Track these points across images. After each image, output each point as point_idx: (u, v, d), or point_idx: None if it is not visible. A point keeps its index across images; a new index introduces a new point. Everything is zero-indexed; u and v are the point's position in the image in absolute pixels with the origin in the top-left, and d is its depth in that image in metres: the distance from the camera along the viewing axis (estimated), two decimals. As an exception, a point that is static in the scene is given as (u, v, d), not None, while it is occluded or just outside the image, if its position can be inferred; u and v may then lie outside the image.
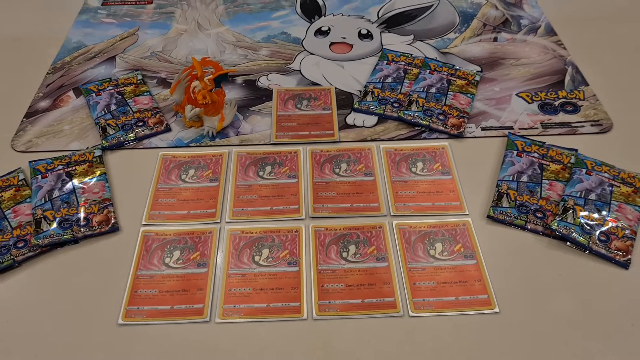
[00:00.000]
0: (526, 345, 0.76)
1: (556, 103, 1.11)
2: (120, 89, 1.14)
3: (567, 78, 1.17)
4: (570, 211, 0.89)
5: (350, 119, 1.09)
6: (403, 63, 1.19)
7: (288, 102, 1.13)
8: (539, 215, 0.90)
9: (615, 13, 1.36)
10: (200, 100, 1.01)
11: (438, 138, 1.05)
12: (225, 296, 0.81)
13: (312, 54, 1.26)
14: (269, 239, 0.88)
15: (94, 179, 0.96)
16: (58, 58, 1.26)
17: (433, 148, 1.02)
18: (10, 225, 0.90)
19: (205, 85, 1.01)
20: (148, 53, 1.27)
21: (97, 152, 1.01)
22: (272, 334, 0.77)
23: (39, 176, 0.97)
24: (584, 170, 0.95)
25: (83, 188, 0.95)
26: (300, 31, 1.33)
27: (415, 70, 1.17)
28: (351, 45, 1.28)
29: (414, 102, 1.09)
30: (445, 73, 1.16)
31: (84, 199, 0.93)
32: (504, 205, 0.91)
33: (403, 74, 1.16)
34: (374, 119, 1.09)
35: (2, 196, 0.94)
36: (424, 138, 1.05)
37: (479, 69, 1.20)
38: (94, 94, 1.13)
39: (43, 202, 0.92)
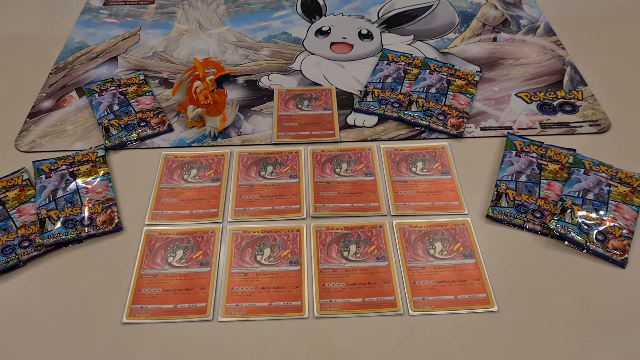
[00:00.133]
0: (524, 343, 0.77)
1: (555, 103, 1.12)
2: (123, 89, 1.15)
3: (566, 78, 1.18)
4: (568, 211, 0.90)
5: (350, 119, 1.10)
6: (403, 63, 1.20)
7: (289, 102, 1.14)
8: (538, 214, 0.91)
9: (614, 13, 1.37)
10: (202, 100, 1.02)
11: (438, 138, 1.06)
12: (227, 295, 0.82)
13: (312, 54, 1.27)
14: (271, 238, 0.90)
15: (98, 179, 0.97)
16: (60, 58, 1.27)
17: (433, 148, 1.03)
18: (15, 225, 0.91)
19: (207, 86, 1.02)
20: (150, 53, 1.28)
21: (100, 152, 1.02)
22: (274, 333, 0.78)
23: (43, 176, 0.98)
24: (582, 170, 0.96)
25: (87, 188, 0.96)
26: (301, 31, 1.34)
27: (415, 71, 1.18)
28: (351, 46, 1.29)
29: (414, 103, 1.10)
30: (445, 73, 1.17)
31: (87, 198, 0.94)
32: (502, 205, 0.92)
33: (403, 74, 1.17)
34: (374, 119, 1.10)
35: (6, 196, 0.95)
36: (424, 138, 1.06)
37: (479, 69, 1.21)
38: (96, 94, 1.14)
39: (47, 201, 0.94)
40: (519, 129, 1.07)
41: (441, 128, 1.06)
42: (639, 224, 0.90)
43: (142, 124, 1.08)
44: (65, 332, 0.79)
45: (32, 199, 0.95)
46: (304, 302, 0.82)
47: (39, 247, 0.88)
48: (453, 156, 1.02)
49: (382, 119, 1.10)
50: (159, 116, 1.10)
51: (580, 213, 0.90)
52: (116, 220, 0.92)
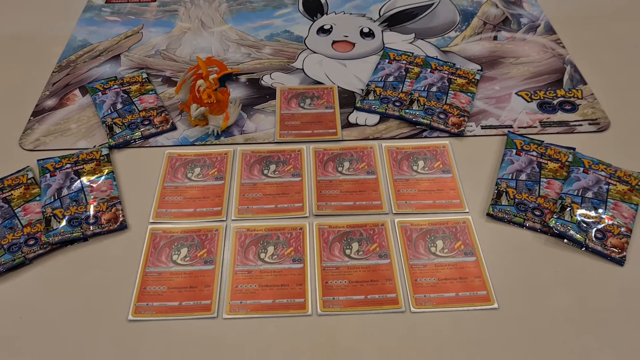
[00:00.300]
0: (524, 340, 0.78)
1: (555, 102, 1.13)
2: (126, 87, 1.16)
3: (566, 77, 1.19)
4: (568, 209, 0.91)
5: (352, 118, 1.11)
6: (404, 62, 1.21)
7: (291, 100, 1.15)
8: (537, 213, 0.92)
9: (615, 12, 1.38)
10: (206, 99, 1.02)
11: (439, 137, 1.07)
12: (232, 293, 0.84)
13: (314, 52, 1.27)
14: (274, 236, 0.91)
15: (102, 178, 0.98)
16: (63, 56, 1.27)
17: (434, 147, 1.04)
18: (21, 223, 0.92)
19: (210, 85, 1.03)
20: (152, 51, 1.28)
21: (105, 151, 1.03)
22: (278, 330, 0.80)
23: (48, 174, 0.99)
24: (582, 169, 0.97)
25: (91, 186, 0.97)
26: (303, 29, 1.34)
27: (416, 69, 1.19)
28: (353, 44, 1.30)
29: (415, 101, 1.11)
30: (446, 72, 1.18)
31: (92, 197, 0.95)
32: (503, 203, 0.94)
33: (404, 73, 1.18)
34: (376, 118, 1.11)
35: (12, 194, 0.96)
36: (425, 137, 1.07)
37: (479, 67, 1.22)
38: (100, 93, 1.15)
39: (52, 200, 0.94)
40: (519, 127, 1.08)
41: (442, 127, 1.07)
42: (637, 221, 0.91)
43: (146, 122, 1.09)
44: (72, 330, 0.80)
45: (37, 198, 0.96)
46: (307, 299, 0.83)
47: (44, 245, 0.89)
48: (454, 155, 1.03)
49: (384, 117, 1.11)
50: (162, 115, 1.11)
51: (579, 211, 0.91)
52: (121, 219, 0.93)
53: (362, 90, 1.16)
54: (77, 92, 1.18)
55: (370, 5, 1.41)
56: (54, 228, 0.90)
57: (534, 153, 1.00)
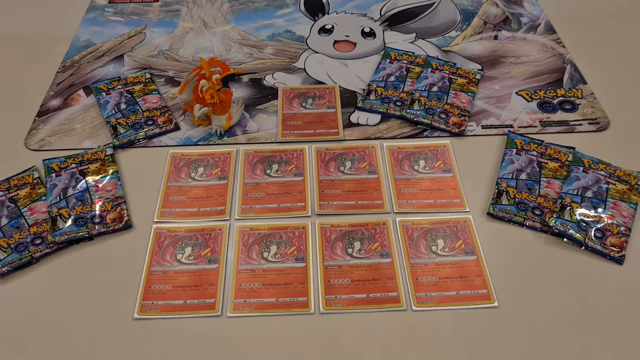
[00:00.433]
0: (524, 338, 0.79)
1: (555, 101, 1.13)
2: (130, 87, 1.17)
3: (566, 76, 1.20)
4: (568, 208, 0.92)
5: (354, 118, 1.12)
6: (405, 62, 1.22)
7: (293, 100, 1.16)
8: (537, 212, 0.93)
9: (615, 11, 1.38)
10: (209, 99, 1.04)
11: (440, 136, 1.08)
12: (235, 291, 0.85)
13: (316, 52, 1.28)
14: (277, 235, 0.92)
15: (107, 177, 1.00)
16: (67, 57, 1.28)
17: (435, 146, 1.05)
18: (27, 223, 0.93)
19: (213, 85, 1.04)
20: (155, 51, 1.29)
21: (109, 151, 1.04)
22: (281, 328, 0.81)
23: (53, 174, 1.00)
24: (581, 168, 0.98)
25: (96, 186, 0.98)
26: (305, 29, 1.35)
27: (417, 69, 1.20)
28: (354, 44, 1.30)
29: (417, 101, 1.12)
30: (447, 72, 1.19)
31: (97, 196, 0.96)
32: (503, 203, 0.95)
33: (405, 73, 1.19)
34: (377, 118, 1.12)
35: (18, 194, 0.97)
36: (426, 136, 1.08)
37: (480, 67, 1.22)
38: (103, 93, 1.16)
39: (58, 200, 0.96)
40: (519, 127, 1.09)
41: (443, 126, 1.08)
42: (637, 221, 0.92)
43: (149, 122, 1.10)
44: (78, 328, 0.81)
45: (43, 197, 0.97)
46: (310, 298, 0.84)
47: (51, 245, 0.90)
48: (455, 154, 1.04)
49: (385, 117, 1.12)
50: (166, 115, 1.12)
51: (579, 211, 0.92)
52: (126, 218, 0.94)
53: (364, 90, 1.17)
54: (81, 92, 1.19)
55: (371, 5, 1.42)
56: (60, 227, 0.92)
57: (534, 152, 1.01)
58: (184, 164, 1.03)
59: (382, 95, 1.15)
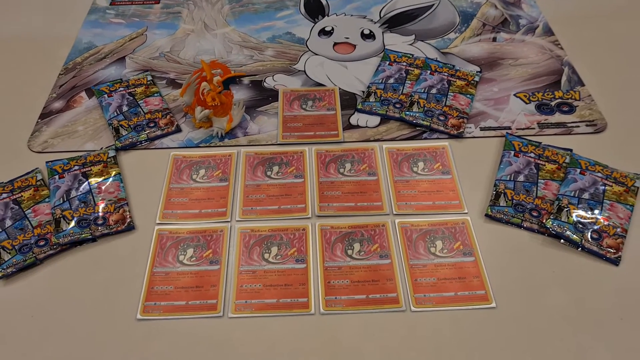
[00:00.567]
0: (522, 338, 0.80)
1: (552, 103, 1.15)
2: (131, 90, 1.18)
3: (564, 78, 1.21)
4: (565, 210, 0.93)
5: (354, 120, 1.13)
6: (405, 64, 1.23)
7: (294, 102, 1.17)
8: (535, 214, 0.94)
9: (613, 13, 1.39)
10: (210, 102, 1.05)
11: (439, 138, 1.09)
12: (237, 292, 0.86)
13: (316, 54, 1.29)
14: (278, 237, 0.93)
15: (110, 179, 1.01)
16: (69, 59, 1.29)
17: (434, 148, 1.07)
18: (31, 225, 0.94)
19: (214, 88, 1.05)
20: (157, 54, 1.30)
21: (111, 153, 1.05)
22: (282, 328, 0.82)
23: (56, 176, 1.01)
24: (578, 170, 0.99)
25: (99, 188, 0.99)
26: (305, 31, 1.36)
27: (416, 71, 1.21)
28: (354, 46, 1.31)
29: (416, 103, 1.13)
30: (446, 74, 1.20)
31: (100, 198, 0.98)
32: (501, 204, 0.96)
33: (405, 75, 1.20)
34: (376, 120, 1.13)
35: (21, 196, 0.98)
36: (425, 138, 1.09)
37: (479, 69, 1.24)
38: (105, 95, 1.17)
39: (61, 202, 0.97)
40: (517, 129, 1.10)
41: (442, 128, 1.09)
42: (633, 222, 0.93)
43: (151, 124, 1.11)
44: (82, 329, 0.83)
45: (47, 199, 0.98)
46: (310, 298, 0.85)
47: (54, 246, 0.91)
48: (453, 156, 1.05)
49: (385, 119, 1.13)
50: (167, 117, 1.13)
51: (575, 212, 0.93)
52: (128, 220, 0.95)
53: (363, 92, 1.19)
54: (83, 94, 1.20)
55: (371, 7, 1.43)
56: (64, 229, 0.93)
57: (532, 154, 1.03)
58: (186, 165, 1.05)
59: (382, 98, 1.16)
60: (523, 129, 1.10)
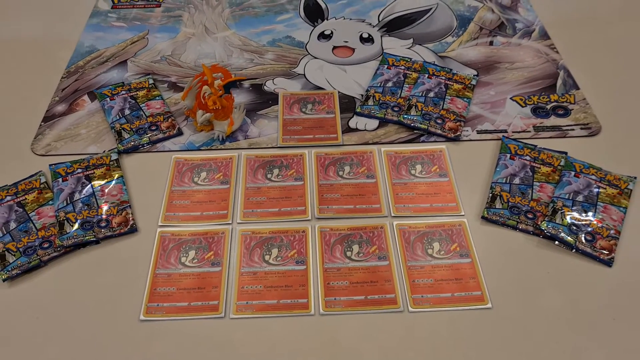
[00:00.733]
0: (517, 338, 0.82)
1: (548, 107, 1.16)
2: (133, 93, 1.20)
3: (559, 82, 1.23)
4: (559, 212, 0.95)
5: (352, 123, 1.15)
6: (403, 67, 1.25)
7: (293, 106, 1.19)
8: (530, 216, 0.96)
9: (609, 17, 1.41)
10: (211, 105, 1.06)
11: (436, 141, 1.11)
12: (238, 293, 0.88)
13: (315, 57, 1.31)
14: (278, 239, 0.95)
15: (112, 182, 1.02)
16: (72, 62, 1.31)
17: (431, 151, 1.08)
18: (35, 227, 0.96)
19: (215, 91, 1.06)
20: (158, 57, 1.32)
21: (114, 156, 1.07)
22: (283, 329, 0.84)
23: (60, 179, 1.03)
24: (573, 173, 1.01)
25: (102, 191, 1.01)
26: (304, 35, 1.38)
27: (414, 75, 1.23)
28: (353, 49, 1.33)
29: (414, 107, 1.15)
30: (443, 77, 1.22)
31: (103, 201, 0.99)
32: (497, 207, 0.98)
33: (403, 79, 1.22)
34: (375, 123, 1.15)
35: (25, 199, 1.00)
36: (423, 141, 1.11)
37: (475, 72, 1.25)
38: (108, 99, 1.19)
39: (65, 204, 0.98)
40: (513, 132, 1.11)
41: (439, 131, 1.11)
42: (626, 224, 0.95)
43: (153, 127, 1.13)
44: (87, 330, 0.84)
45: (51, 202, 1.00)
46: (310, 299, 0.87)
47: (58, 248, 0.93)
48: (450, 159, 1.07)
49: (383, 122, 1.15)
50: (169, 120, 1.15)
51: (570, 214, 0.95)
52: (131, 222, 0.97)
53: (362, 95, 1.20)
54: (85, 97, 1.22)
55: (370, 11, 1.44)
56: (68, 231, 0.95)
57: (528, 157, 1.04)
58: (187, 168, 1.06)
59: (380, 101, 1.17)
60: (519, 132, 1.11)
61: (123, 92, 1.20)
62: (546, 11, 1.43)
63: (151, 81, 1.24)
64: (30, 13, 1.47)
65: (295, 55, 1.32)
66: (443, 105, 1.16)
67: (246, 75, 1.27)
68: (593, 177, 1.00)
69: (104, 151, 1.09)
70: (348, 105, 1.19)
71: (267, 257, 0.92)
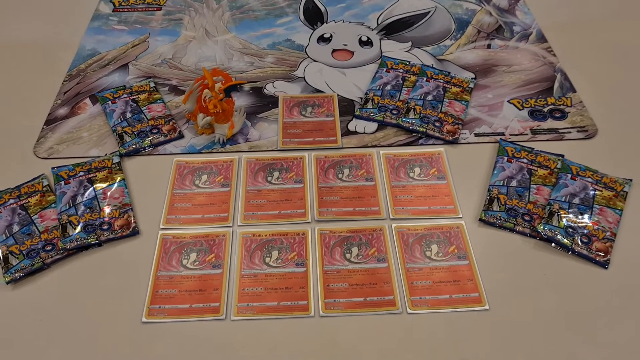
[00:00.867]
0: (514, 340, 0.84)
1: (545, 109, 1.18)
2: (135, 96, 1.21)
3: (556, 85, 1.24)
4: (556, 215, 0.96)
5: (352, 126, 1.16)
6: (401, 70, 1.26)
7: (293, 109, 1.20)
8: (527, 218, 0.97)
9: (605, 20, 1.42)
10: (212, 109, 1.07)
11: (434, 144, 1.12)
12: (239, 295, 0.89)
13: (315, 61, 1.32)
14: (278, 241, 0.96)
15: (114, 185, 1.03)
16: (73, 65, 1.32)
17: (429, 154, 1.10)
18: (38, 230, 0.97)
19: (216, 95, 1.08)
20: (159, 60, 1.33)
21: (116, 159, 1.08)
22: (283, 330, 0.85)
23: (62, 182, 1.04)
24: (569, 176, 1.02)
25: (104, 194, 1.02)
26: (304, 38, 1.39)
27: (413, 78, 1.24)
28: (352, 53, 1.34)
29: (412, 110, 1.16)
30: (441, 80, 1.23)
31: (105, 204, 1.00)
32: (494, 209, 0.99)
33: (401, 82, 1.23)
34: (374, 126, 1.16)
35: (28, 202, 1.01)
36: (421, 144, 1.12)
37: (473, 76, 1.26)
38: (109, 102, 1.20)
39: (67, 207, 1.00)
40: (510, 135, 1.13)
41: (437, 134, 1.12)
42: (621, 226, 0.97)
43: (154, 131, 1.14)
44: (89, 332, 0.85)
45: (53, 205, 1.01)
46: (310, 301, 0.88)
47: (61, 251, 0.94)
48: (448, 162, 1.08)
49: (382, 125, 1.16)
50: (170, 123, 1.16)
51: (566, 217, 0.96)
52: (133, 225, 0.98)
53: (361, 98, 1.21)
54: (87, 100, 1.23)
55: (369, 14, 1.46)
56: (70, 234, 0.96)
57: (525, 160, 1.06)
58: (188, 171, 1.07)
59: (379, 104, 1.19)
60: (516, 134, 1.13)
61: (124, 95, 1.21)
62: (543, 14, 1.44)
63: (152, 84, 1.25)
64: (32, 16, 1.49)
65: (295, 58, 1.33)
66: (441, 108, 1.17)
67: (246, 78, 1.28)
68: (589, 179, 1.02)
69: (106, 154, 1.10)
70: (347, 108, 1.20)
71: (267, 260, 0.93)
